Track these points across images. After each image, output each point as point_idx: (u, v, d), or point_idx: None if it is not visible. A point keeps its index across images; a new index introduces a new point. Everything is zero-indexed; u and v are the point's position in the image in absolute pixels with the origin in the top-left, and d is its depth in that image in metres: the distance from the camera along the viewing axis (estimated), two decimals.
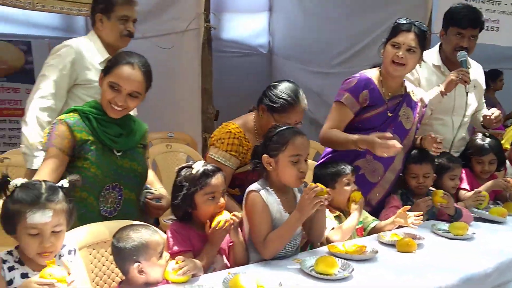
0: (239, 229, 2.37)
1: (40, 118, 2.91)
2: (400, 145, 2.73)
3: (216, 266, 2.30)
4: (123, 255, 2.01)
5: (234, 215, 2.26)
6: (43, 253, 1.84)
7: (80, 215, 2.25)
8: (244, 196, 2.42)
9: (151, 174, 2.74)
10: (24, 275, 1.86)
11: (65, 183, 1.97)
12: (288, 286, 2.02)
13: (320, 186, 2.31)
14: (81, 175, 2.31)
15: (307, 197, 2.27)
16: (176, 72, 5.45)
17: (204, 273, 2.14)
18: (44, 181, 1.94)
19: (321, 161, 3.19)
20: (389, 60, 2.99)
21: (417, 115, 3.21)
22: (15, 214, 1.82)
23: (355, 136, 2.86)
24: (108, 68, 2.43)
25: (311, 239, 2.60)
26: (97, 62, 3.04)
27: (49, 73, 2.99)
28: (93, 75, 2.97)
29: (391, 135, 2.74)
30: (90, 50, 3.06)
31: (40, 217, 1.81)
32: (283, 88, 2.83)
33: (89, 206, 2.40)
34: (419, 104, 3.23)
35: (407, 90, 3.18)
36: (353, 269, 2.18)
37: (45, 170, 2.34)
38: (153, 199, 2.57)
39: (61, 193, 1.91)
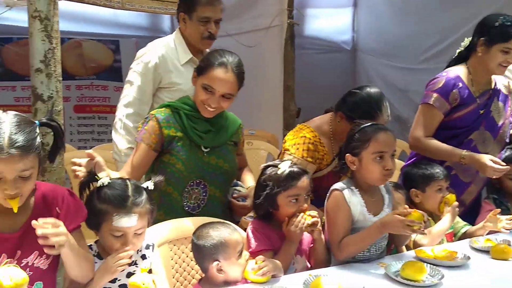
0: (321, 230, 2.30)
1: (127, 125, 2.95)
2: (508, 166, 2.73)
3: (297, 267, 2.24)
4: (202, 253, 2.00)
5: (313, 216, 2.18)
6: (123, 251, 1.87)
7: (164, 208, 2.33)
8: (328, 194, 2.34)
9: (246, 170, 2.73)
10: None
11: (150, 185, 1.99)
12: None
13: (417, 213, 2.17)
14: (167, 170, 2.38)
15: (398, 220, 2.13)
16: (258, 69, 5.42)
17: (284, 274, 2.08)
18: (129, 180, 1.97)
19: (411, 160, 3.07)
20: (496, 64, 2.86)
21: (508, 108, 3.04)
22: (101, 213, 1.87)
23: (463, 152, 2.79)
24: (202, 69, 2.41)
25: (394, 243, 2.49)
26: (180, 63, 3.01)
27: (134, 79, 3.01)
28: (176, 77, 2.96)
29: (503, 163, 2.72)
30: (173, 52, 3.03)
31: (126, 222, 1.84)
32: (366, 97, 2.64)
33: (174, 201, 2.42)
34: (510, 97, 3.06)
35: (496, 83, 3.02)
36: (442, 276, 2.04)
37: (131, 164, 2.42)
38: (238, 197, 2.54)
39: (145, 195, 1.93)
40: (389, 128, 2.34)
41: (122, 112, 2.99)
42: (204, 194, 2.46)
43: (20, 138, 1.57)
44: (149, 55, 2.99)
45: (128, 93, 3.00)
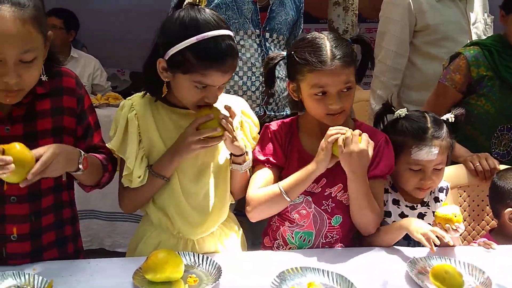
0: None
1: (385, 83, 2.74)
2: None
3: None
4: (499, 195, 1.90)
5: None
6: (421, 189, 1.80)
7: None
8: None
9: None
10: (396, 202, 1.87)
11: (450, 117, 1.86)
12: None
13: None
14: (473, 112, 2.25)
15: None
16: None
17: None
18: (428, 113, 1.87)
19: None
20: None
21: None
22: (398, 146, 1.81)
23: None
24: None
25: None
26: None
27: (387, 28, 2.72)
28: (432, 17, 2.60)
29: None
30: None
31: (426, 154, 1.76)
32: None
33: (479, 146, 2.26)
34: None
35: None
36: None
37: (431, 103, 2.34)
38: None
39: (445, 128, 1.82)
40: None
41: (378, 68, 2.76)
42: None
43: (340, 51, 1.63)
44: None
45: (383, 46, 2.74)
